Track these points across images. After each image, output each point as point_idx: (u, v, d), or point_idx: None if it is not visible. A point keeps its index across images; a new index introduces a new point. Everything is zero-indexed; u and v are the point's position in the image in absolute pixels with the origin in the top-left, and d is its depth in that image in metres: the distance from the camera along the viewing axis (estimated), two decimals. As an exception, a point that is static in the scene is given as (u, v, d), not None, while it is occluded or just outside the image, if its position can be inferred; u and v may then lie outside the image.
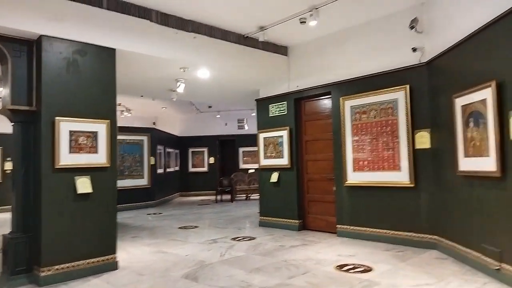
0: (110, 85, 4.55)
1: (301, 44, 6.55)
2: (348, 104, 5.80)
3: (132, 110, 11.80)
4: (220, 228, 7.16)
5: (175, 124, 14.10)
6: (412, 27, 4.82)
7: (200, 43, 5.44)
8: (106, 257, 4.38)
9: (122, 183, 10.23)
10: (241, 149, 14.66)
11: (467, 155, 3.96)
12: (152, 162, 11.22)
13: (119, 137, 10.26)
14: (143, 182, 10.99)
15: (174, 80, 6.28)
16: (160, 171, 11.95)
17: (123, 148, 10.60)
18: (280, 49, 6.61)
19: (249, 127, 13.46)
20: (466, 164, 3.99)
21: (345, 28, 5.84)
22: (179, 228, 7.34)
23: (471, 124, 3.86)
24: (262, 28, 5.59)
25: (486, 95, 3.54)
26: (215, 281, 3.89)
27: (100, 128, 4.41)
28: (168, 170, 12.93)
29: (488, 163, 3.56)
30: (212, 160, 14.51)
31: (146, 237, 6.47)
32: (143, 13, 4.83)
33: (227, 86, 7.23)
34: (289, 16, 5.21)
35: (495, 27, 3.52)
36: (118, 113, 11.56)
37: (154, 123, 12.27)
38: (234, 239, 6.06)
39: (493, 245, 3.61)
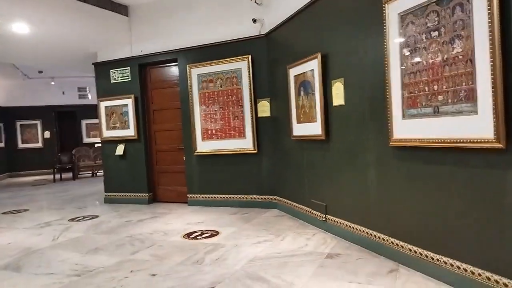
0: None
1: (144, 5, 6.04)
2: (195, 72, 5.69)
3: None
4: (56, 210, 6.32)
5: (-5, 92, 11.69)
6: (252, -2, 4.94)
7: (12, -11, 4.44)
8: None
9: None
10: (84, 122, 13.21)
11: (299, 121, 4.35)
12: (-37, 138, 9.08)
13: None
14: (-50, 163, 8.85)
15: (-19, 34, 5.05)
16: (-24, 148, 9.81)
17: None
18: (119, 8, 5.95)
19: (94, 97, 12.13)
20: (299, 129, 4.38)
21: (190, -9, 5.62)
22: (3, 213, 6.20)
23: (302, 93, 4.23)
24: (95, -20, 4.91)
25: (313, 66, 3.89)
26: (43, 268, 3.38)
27: None
28: (-12, 147, 10.73)
29: (315, 128, 3.97)
30: (47, 134, 12.66)
31: (-47, 230, 5.24)
32: None
33: (56, 46, 6.20)
34: (126, -30, 4.69)
35: (318, 5, 3.86)
36: None
37: (-37, 90, 9.88)
38: (72, 220, 5.42)
39: (320, 200, 4.10)
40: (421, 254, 2.71)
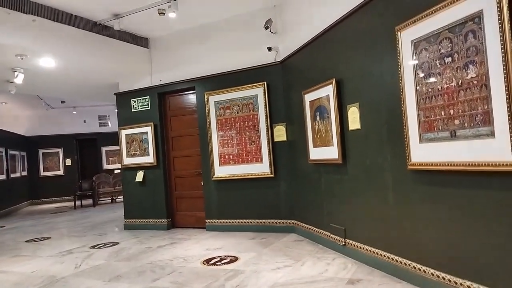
0: None
1: (163, 37, 6.31)
2: (212, 100, 5.84)
3: (-41, 106, 9.73)
4: (77, 237, 6.43)
5: (19, 122, 12.13)
6: (266, 28, 5.09)
7: (40, 28, 4.69)
8: None
9: None
10: (104, 149, 13.51)
11: (315, 145, 4.40)
12: (-11, 168, 9.42)
13: None
14: (-22, 192, 9.15)
15: (11, 69, 5.33)
16: (1, 177, 10.14)
17: None
18: (140, 41, 6.23)
19: (113, 125, 12.48)
20: (315, 153, 4.42)
21: (207, 23, 5.84)
22: (26, 241, 6.33)
23: (318, 118, 4.29)
24: (117, 16, 5.16)
25: (328, 91, 3.97)
26: (67, 298, 3.45)
27: None
28: (12, 175, 11.06)
29: (332, 152, 4.00)
30: (69, 162, 12.99)
31: (-20, 258, 5.38)
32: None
33: (80, 78, 6.50)
34: (146, 6, 4.92)
35: (331, 32, 3.97)
36: None
37: (-9, 121, 10.32)
38: (93, 247, 5.50)
39: (339, 224, 4.08)
40: (444, 279, 2.66)
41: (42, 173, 12.84)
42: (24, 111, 12.06)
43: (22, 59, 4.97)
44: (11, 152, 11.05)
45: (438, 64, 2.54)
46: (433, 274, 2.77)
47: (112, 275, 4.01)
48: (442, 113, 2.54)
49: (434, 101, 2.59)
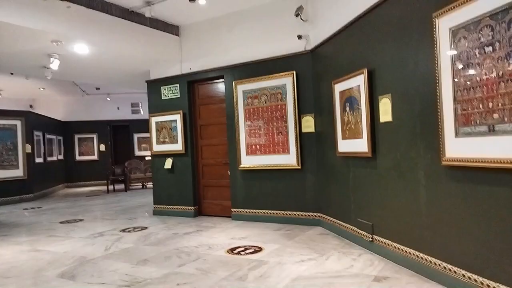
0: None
1: (193, 24, 6.32)
2: (241, 89, 5.81)
3: (2, 91, 10.25)
4: (109, 220, 6.66)
5: (57, 108, 12.65)
6: (297, 15, 4.98)
7: (75, 14, 4.83)
8: (-42, 263, 3.69)
9: (-10, 175, 8.89)
10: (136, 135, 13.88)
11: (344, 137, 4.28)
12: (28, 150, 9.88)
13: (-17, 122, 8.84)
14: (17, 173, 9.66)
15: (47, 55, 5.52)
16: (39, 160, 10.64)
17: (-10, 135, 9.13)
18: (171, 28, 6.28)
19: (145, 112, 12.78)
20: (344, 145, 4.31)
21: (237, 10, 5.79)
22: (61, 222, 6.62)
23: (347, 109, 4.17)
24: (148, 3, 5.20)
25: (359, 81, 3.84)
26: (96, 278, 3.56)
27: None
28: (49, 159, 11.59)
29: (361, 145, 3.88)
30: (103, 147, 13.45)
31: (19, 235, 5.69)
32: (2, -25, 4.08)
33: (112, 65, 6.65)
34: (177, -7, 4.95)
35: (364, 20, 3.82)
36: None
37: (31, 106, 10.81)
38: (123, 230, 5.68)
39: (366, 219, 3.97)
40: (476, 281, 2.53)
41: (78, 158, 13.37)
42: (61, 97, 12.54)
43: (57, 45, 5.12)
44: (48, 136, 11.55)
45: (477, 53, 2.37)
46: (464, 275, 2.65)
47: (140, 259, 4.11)
48: (480, 106, 2.37)
49: (472, 93, 2.43)
